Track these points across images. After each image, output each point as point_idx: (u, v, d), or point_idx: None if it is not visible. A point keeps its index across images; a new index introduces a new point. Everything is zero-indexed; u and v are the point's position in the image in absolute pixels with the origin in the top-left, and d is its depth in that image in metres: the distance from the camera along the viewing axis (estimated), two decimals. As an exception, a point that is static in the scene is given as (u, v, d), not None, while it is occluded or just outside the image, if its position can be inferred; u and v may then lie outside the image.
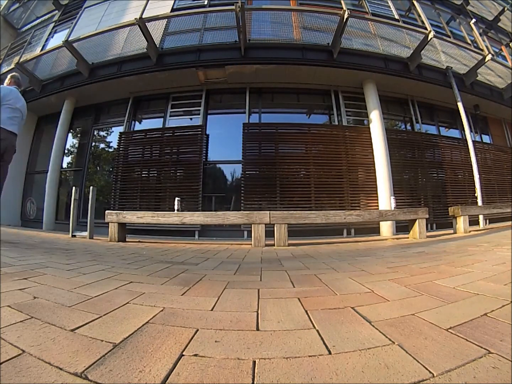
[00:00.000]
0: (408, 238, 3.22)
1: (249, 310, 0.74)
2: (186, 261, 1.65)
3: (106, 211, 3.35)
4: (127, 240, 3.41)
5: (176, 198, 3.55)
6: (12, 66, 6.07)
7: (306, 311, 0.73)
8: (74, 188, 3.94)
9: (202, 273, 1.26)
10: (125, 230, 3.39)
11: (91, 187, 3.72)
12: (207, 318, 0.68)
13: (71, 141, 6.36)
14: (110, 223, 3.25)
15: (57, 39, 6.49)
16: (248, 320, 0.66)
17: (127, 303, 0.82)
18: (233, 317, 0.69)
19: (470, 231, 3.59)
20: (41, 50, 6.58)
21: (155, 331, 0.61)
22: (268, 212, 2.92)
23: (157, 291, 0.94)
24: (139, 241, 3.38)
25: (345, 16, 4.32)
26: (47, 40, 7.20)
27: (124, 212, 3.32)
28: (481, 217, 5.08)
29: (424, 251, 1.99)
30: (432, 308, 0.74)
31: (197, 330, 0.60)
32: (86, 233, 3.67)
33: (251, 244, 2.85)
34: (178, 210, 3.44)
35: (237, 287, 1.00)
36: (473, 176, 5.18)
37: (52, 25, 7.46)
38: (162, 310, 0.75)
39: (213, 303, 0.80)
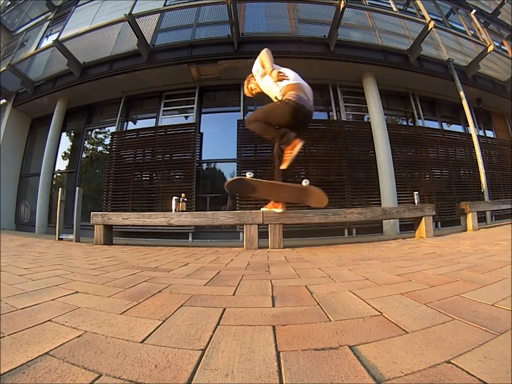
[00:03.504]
0: (414, 237, 2.99)
1: (193, 346, 0.51)
2: (160, 267, 1.46)
3: (92, 213, 3.16)
4: (114, 243, 3.24)
5: (174, 197, 3.20)
6: (4, 68, 5.97)
7: (277, 354, 0.48)
8: (60, 189, 3.78)
9: (168, 282, 1.06)
10: (111, 232, 3.21)
11: (77, 188, 3.56)
12: (127, 355, 0.48)
13: (64, 142, 6.23)
14: (95, 225, 3.07)
15: (51, 41, 6.41)
16: (181, 367, 0.44)
17: (49, 320, 0.65)
18: (164, 357, 0.47)
19: (479, 228, 3.36)
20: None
21: (45, 369, 0.42)
22: (261, 211, 2.71)
23: (95, 306, 0.75)
24: (126, 244, 3.20)
25: (341, 6, 4.13)
26: (40, 41, 7.13)
27: (110, 213, 3.14)
28: (488, 214, 4.86)
29: (436, 251, 1.76)
30: (475, 345, 0.48)
31: (100, 375, 0.41)
32: (72, 236, 3.51)
33: (243, 247, 2.65)
34: (175, 210, 3.22)
35: (198, 304, 0.78)
36: (478, 171, 4.96)
37: (46, 26, 7.39)
38: (79, 336, 0.55)
39: (153, 329, 0.60)
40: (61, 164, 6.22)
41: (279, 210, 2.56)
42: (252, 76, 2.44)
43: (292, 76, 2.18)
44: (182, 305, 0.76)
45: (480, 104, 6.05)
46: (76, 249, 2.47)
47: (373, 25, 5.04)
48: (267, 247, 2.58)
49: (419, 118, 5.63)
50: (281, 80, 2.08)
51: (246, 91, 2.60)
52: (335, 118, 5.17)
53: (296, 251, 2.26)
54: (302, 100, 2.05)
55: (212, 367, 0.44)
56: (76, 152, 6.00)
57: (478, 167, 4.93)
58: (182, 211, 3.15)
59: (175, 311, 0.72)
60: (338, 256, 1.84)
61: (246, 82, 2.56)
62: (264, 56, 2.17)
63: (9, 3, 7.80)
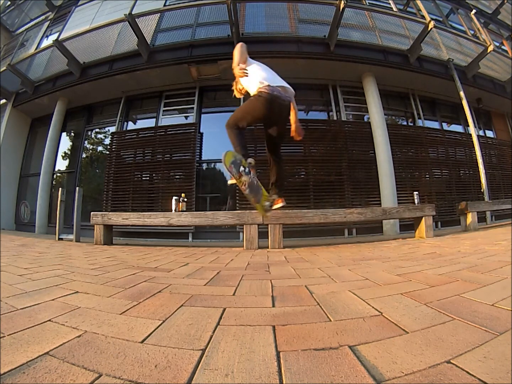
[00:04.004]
0: (414, 237, 2.99)
1: (193, 346, 0.51)
2: (160, 267, 1.46)
3: (92, 213, 3.16)
4: (114, 243, 3.24)
5: (174, 197, 3.22)
6: (4, 68, 5.97)
7: (277, 354, 0.48)
8: (60, 189, 3.79)
9: (168, 282, 1.06)
10: (111, 232, 3.21)
11: (77, 188, 3.56)
12: (127, 355, 0.48)
13: (64, 142, 6.22)
14: (95, 225, 3.07)
15: (51, 41, 6.41)
16: (181, 367, 0.43)
17: (49, 320, 0.65)
18: (164, 357, 0.47)
19: (479, 229, 3.36)
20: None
21: (45, 369, 0.42)
22: (261, 211, 2.71)
23: (95, 306, 0.75)
24: (126, 244, 3.20)
25: (341, 6, 4.13)
26: (40, 41, 7.13)
27: (110, 213, 3.14)
28: (488, 214, 4.86)
29: (436, 251, 1.76)
30: (475, 345, 0.48)
31: (100, 375, 0.41)
32: (72, 236, 3.51)
33: (243, 247, 2.65)
34: (175, 210, 3.23)
35: (198, 304, 0.78)
36: (478, 171, 4.96)
37: (46, 26, 7.39)
38: (79, 336, 0.55)
39: (153, 329, 0.60)
40: (61, 164, 6.22)
41: (279, 205, 2.47)
42: None
43: (257, 71, 2.13)
44: (182, 305, 0.77)
45: (480, 104, 6.05)
46: (76, 249, 2.47)
47: (373, 25, 5.03)
48: (267, 247, 2.59)
49: (419, 118, 5.63)
50: (241, 76, 2.10)
51: (236, 93, 2.54)
52: (335, 118, 5.17)
53: (296, 251, 2.26)
54: (276, 91, 2.05)
55: (212, 367, 0.44)
56: (76, 152, 6.00)
57: (478, 167, 4.93)
58: (182, 211, 3.15)
59: (175, 311, 0.72)
60: (338, 256, 1.85)
61: (234, 83, 2.51)
62: (235, 50, 2.17)
63: (9, 3, 7.79)
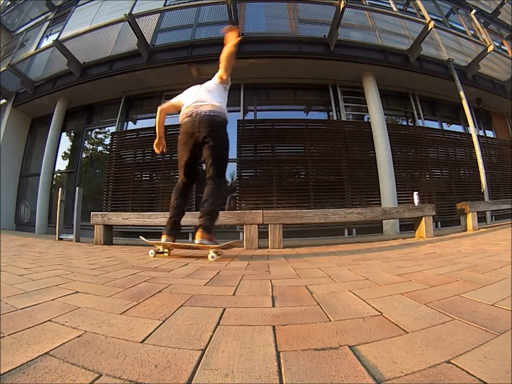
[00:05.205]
0: (414, 237, 2.99)
1: (193, 346, 0.51)
2: (160, 267, 1.46)
3: (92, 213, 3.17)
4: (114, 243, 3.24)
5: None
6: (4, 68, 5.97)
7: (277, 354, 0.48)
8: (60, 189, 3.79)
9: (168, 282, 1.06)
10: (111, 232, 3.21)
11: (77, 188, 3.56)
12: (127, 355, 0.48)
13: (64, 142, 6.23)
14: (95, 225, 3.07)
15: (51, 41, 6.41)
16: (181, 367, 0.43)
17: (49, 320, 0.65)
18: (164, 357, 0.47)
19: (479, 229, 3.36)
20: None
21: (44, 369, 0.42)
22: (261, 211, 2.72)
23: (95, 306, 0.75)
24: (126, 244, 3.20)
25: (341, 6, 4.14)
26: (40, 41, 7.13)
27: (110, 213, 3.14)
28: (488, 214, 4.86)
29: (436, 251, 1.76)
30: (475, 345, 0.48)
31: (100, 375, 0.41)
32: (72, 236, 3.51)
33: (243, 247, 2.65)
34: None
35: (198, 304, 0.78)
36: (478, 171, 4.96)
37: (46, 26, 7.39)
38: (79, 336, 0.55)
39: (153, 329, 0.60)
40: (61, 164, 6.22)
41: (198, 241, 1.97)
42: None
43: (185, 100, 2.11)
44: (182, 305, 0.76)
45: (480, 104, 6.05)
46: (76, 249, 2.47)
47: (373, 25, 5.04)
48: (267, 247, 2.59)
49: (419, 118, 5.63)
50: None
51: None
52: (335, 118, 5.17)
53: (296, 251, 2.26)
54: (183, 114, 2.02)
55: (212, 367, 0.44)
56: (76, 152, 6.00)
57: (478, 167, 4.93)
58: (182, 211, 3.15)
59: (175, 311, 0.72)
60: (338, 256, 1.85)
61: None
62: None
63: (9, 3, 7.79)
